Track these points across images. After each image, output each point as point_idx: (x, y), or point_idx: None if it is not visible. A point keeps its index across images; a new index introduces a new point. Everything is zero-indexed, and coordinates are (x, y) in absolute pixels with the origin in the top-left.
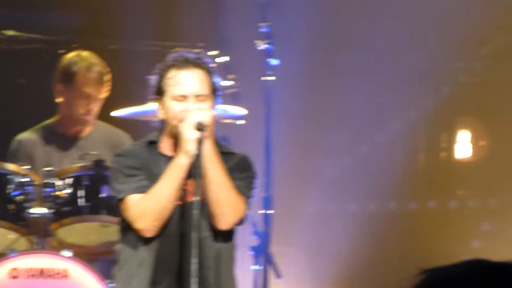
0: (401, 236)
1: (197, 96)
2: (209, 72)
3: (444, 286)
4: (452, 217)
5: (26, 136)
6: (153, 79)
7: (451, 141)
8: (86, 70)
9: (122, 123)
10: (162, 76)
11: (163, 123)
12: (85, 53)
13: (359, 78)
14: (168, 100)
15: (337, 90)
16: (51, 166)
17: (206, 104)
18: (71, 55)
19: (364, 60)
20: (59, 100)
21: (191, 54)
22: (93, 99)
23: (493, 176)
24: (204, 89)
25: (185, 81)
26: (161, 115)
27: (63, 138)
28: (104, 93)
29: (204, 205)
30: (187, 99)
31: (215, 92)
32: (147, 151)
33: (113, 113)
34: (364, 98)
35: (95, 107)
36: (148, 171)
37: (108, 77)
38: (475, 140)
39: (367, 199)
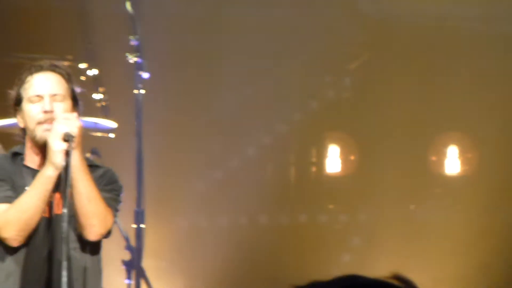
0: (272, 249)
1: (52, 95)
2: (64, 76)
3: None
4: (323, 230)
5: None
6: (12, 92)
7: (321, 155)
8: None
9: None
10: (19, 85)
11: (25, 132)
12: None
13: (229, 91)
14: (25, 104)
15: (207, 103)
16: None
17: (73, 115)
18: None
19: (234, 73)
20: None
21: (46, 62)
22: None
23: (362, 190)
24: (60, 89)
25: (39, 82)
26: (21, 124)
27: None
28: None
29: (72, 216)
30: (43, 99)
31: (74, 99)
32: (11, 162)
33: None
34: (234, 112)
35: None
36: (12, 183)
37: None
38: (344, 155)
39: (238, 212)
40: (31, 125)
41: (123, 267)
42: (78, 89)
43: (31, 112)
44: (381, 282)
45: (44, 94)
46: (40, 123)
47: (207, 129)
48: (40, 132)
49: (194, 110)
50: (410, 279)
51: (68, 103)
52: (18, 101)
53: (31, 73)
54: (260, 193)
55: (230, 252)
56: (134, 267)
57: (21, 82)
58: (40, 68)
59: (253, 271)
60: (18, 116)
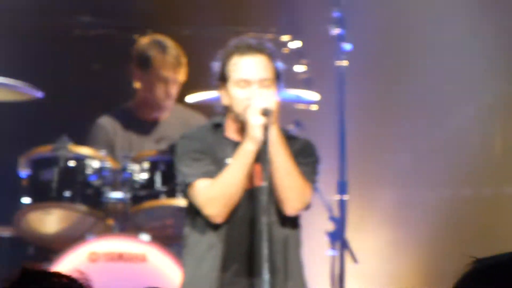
0: (476, 222)
1: (261, 81)
2: (272, 57)
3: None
4: None
5: (106, 120)
6: (215, 65)
7: None
8: (162, 54)
9: (197, 109)
10: (224, 62)
11: (227, 109)
12: (160, 38)
13: (433, 61)
14: (232, 87)
15: (411, 74)
16: (131, 151)
17: (271, 90)
18: (146, 39)
19: (439, 44)
20: (137, 84)
21: (252, 39)
22: (171, 82)
23: None
24: (268, 74)
25: (248, 67)
26: (224, 101)
27: (142, 123)
28: (181, 76)
29: (272, 190)
30: (251, 85)
31: (278, 77)
32: (212, 134)
33: (188, 99)
34: (438, 82)
35: (174, 91)
36: (213, 155)
37: (184, 60)
38: None
39: (442, 185)
40: (237, 108)
41: (326, 238)
42: (282, 65)
43: (238, 97)
44: None
45: (252, 80)
46: (246, 108)
47: (411, 100)
48: (246, 116)
49: (397, 81)
50: None
51: (274, 87)
52: (223, 78)
53: (239, 53)
54: (465, 165)
55: (433, 225)
56: (337, 238)
57: (227, 60)
58: (248, 49)
59: (458, 244)
60: (222, 92)
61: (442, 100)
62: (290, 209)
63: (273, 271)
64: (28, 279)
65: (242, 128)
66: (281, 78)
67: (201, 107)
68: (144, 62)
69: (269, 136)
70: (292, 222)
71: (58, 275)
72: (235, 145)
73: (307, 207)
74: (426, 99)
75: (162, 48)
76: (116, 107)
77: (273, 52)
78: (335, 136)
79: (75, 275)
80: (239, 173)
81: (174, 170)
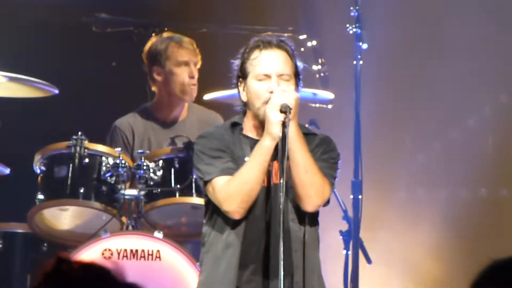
0: (492, 223)
1: (280, 75)
2: (291, 54)
3: (506, 274)
4: None
5: (123, 122)
6: (236, 63)
7: None
8: (179, 44)
9: (214, 108)
10: (245, 58)
11: (245, 105)
12: (171, 33)
13: (450, 62)
14: (251, 81)
15: (427, 74)
16: (149, 150)
17: (290, 86)
18: (159, 37)
19: (456, 45)
20: (157, 78)
21: (273, 37)
22: (192, 64)
23: None
24: (287, 69)
25: (268, 60)
26: (243, 98)
27: (161, 123)
28: (199, 63)
29: (289, 187)
30: (270, 79)
31: (297, 75)
32: (230, 133)
33: (206, 97)
34: (454, 82)
35: (196, 73)
36: (232, 153)
37: (198, 52)
38: None
39: (457, 185)
40: (256, 102)
41: (340, 237)
42: (301, 64)
43: (258, 90)
44: None
45: (271, 73)
46: (265, 102)
47: (426, 99)
48: (264, 111)
49: (412, 81)
50: None
51: (293, 83)
52: (243, 74)
53: (259, 49)
54: (480, 166)
55: (448, 225)
56: (351, 237)
57: (247, 55)
58: (269, 45)
59: (471, 246)
60: (241, 89)
61: (458, 100)
62: (309, 205)
63: (291, 269)
64: (62, 268)
65: (261, 125)
66: (299, 77)
67: (219, 107)
68: (161, 55)
69: (287, 132)
70: (311, 220)
71: (92, 265)
72: (254, 142)
73: (326, 203)
74: (442, 98)
75: (177, 40)
76: (135, 107)
77: (292, 49)
78: (350, 135)
79: (108, 266)
80: (257, 169)
81: (188, 168)
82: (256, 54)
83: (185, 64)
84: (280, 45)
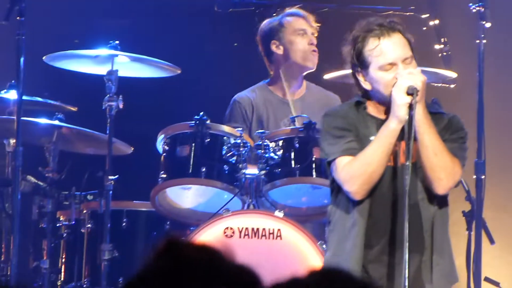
0: None
1: (404, 60)
2: (404, 32)
3: None
4: None
5: (243, 96)
6: (348, 49)
7: None
8: (294, 16)
9: (332, 87)
10: (360, 47)
11: (367, 92)
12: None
13: None
14: (375, 72)
15: None
16: (267, 128)
17: (417, 68)
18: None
19: None
20: (276, 51)
21: (380, 19)
22: (309, 32)
23: None
24: (408, 51)
25: (390, 49)
26: (366, 86)
27: (278, 100)
28: (316, 33)
29: (418, 167)
30: (395, 66)
31: (413, 50)
32: (355, 111)
33: (326, 76)
34: None
35: (315, 40)
36: (356, 132)
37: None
38: None
39: None
40: (385, 91)
41: (463, 218)
42: (411, 37)
43: (385, 80)
44: None
45: (396, 61)
46: (393, 87)
47: None
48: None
49: None
50: None
51: (414, 61)
52: (362, 64)
53: (377, 37)
54: None
55: None
56: (474, 218)
57: (362, 44)
58: (386, 31)
59: None
60: (361, 78)
61: None
62: (440, 188)
63: (419, 248)
64: (173, 249)
65: (387, 107)
66: (414, 52)
67: (338, 87)
68: (278, 28)
69: (415, 115)
70: (441, 200)
71: (204, 246)
72: (379, 122)
73: (457, 184)
74: None
75: (291, 12)
76: (254, 85)
77: (403, 27)
78: (473, 115)
79: (219, 247)
80: (381, 151)
81: (308, 148)
82: (374, 43)
83: (303, 32)
84: (394, 28)
